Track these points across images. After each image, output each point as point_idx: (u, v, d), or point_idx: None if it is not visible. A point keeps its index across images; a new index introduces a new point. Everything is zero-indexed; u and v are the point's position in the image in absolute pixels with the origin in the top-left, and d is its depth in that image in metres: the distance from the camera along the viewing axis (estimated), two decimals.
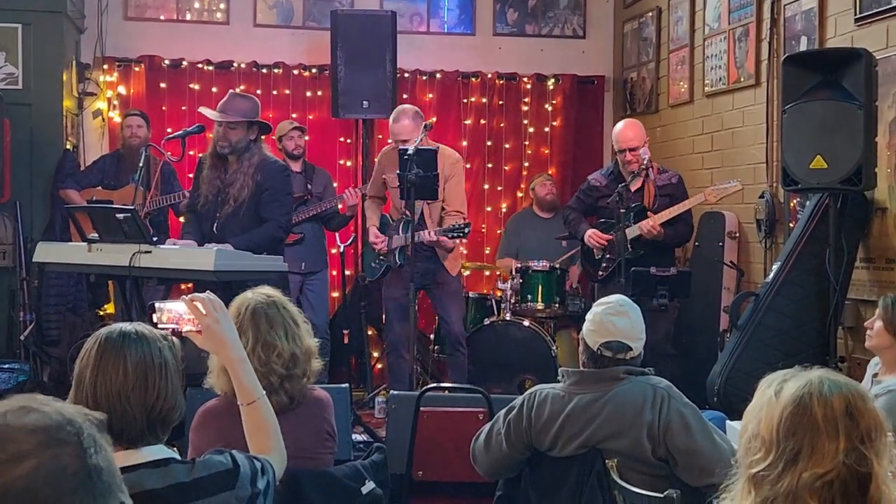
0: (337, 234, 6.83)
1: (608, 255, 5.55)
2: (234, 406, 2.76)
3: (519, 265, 6.42)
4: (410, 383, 5.44)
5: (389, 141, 6.33)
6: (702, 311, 6.04)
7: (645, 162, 5.49)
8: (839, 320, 4.83)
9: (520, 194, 7.80)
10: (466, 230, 5.54)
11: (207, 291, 2.49)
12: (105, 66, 7.27)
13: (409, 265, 5.27)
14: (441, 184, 5.60)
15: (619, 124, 5.80)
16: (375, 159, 6.21)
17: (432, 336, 6.49)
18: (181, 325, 2.45)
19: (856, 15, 4.93)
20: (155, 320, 2.46)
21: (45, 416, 1.14)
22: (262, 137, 5.23)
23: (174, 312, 2.46)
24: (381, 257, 5.87)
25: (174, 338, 2.24)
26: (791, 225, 5.42)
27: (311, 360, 2.93)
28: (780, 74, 5.04)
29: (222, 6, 7.52)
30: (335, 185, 6.86)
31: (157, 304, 2.51)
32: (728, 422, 3.56)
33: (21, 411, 1.14)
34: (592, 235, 5.67)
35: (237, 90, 7.12)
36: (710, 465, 2.80)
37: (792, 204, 5.54)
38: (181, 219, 6.72)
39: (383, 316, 6.25)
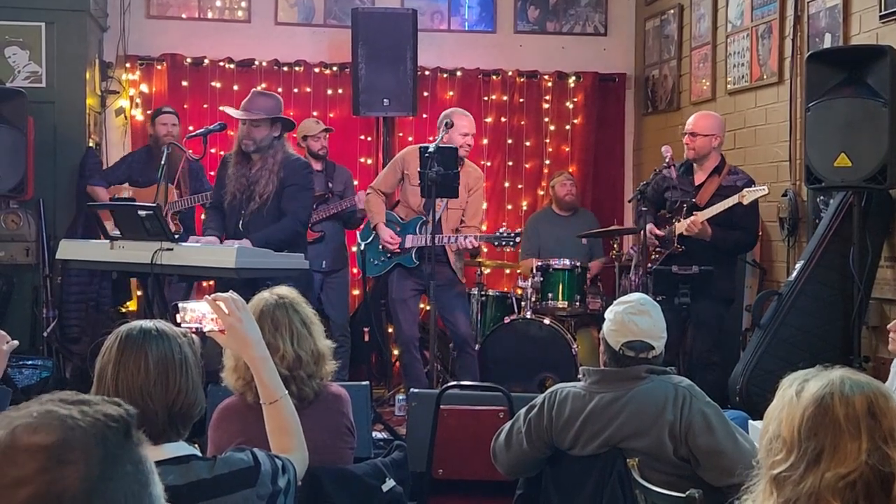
0: (357, 233, 6.84)
1: (658, 248, 5.43)
2: (250, 404, 2.78)
3: (540, 263, 6.40)
4: (430, 381, 5.44)
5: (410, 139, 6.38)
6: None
7: (668, 158, 5.39)
8: (863, 320, 4.80)
9: (540, 192, 7.77)
10: (518, 239, 5.61)
11: (230, 291, 2.50)
12: (127, 65, 7.31)
13: (429, 264, 5.26)
14: (464, 196, 5.64)
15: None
16: (399, 155, 6.13)
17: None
18: (204, 324, 2.46)
19: (881, 12, 4.88)
20: (178, 320, 2.47)
21: (54, 431, 1.08)
22: (286, 135, 5.26)
23: (197, 312, 2.47)
24: (389, 255, 5.87)
25: (193, 334, 2.25)
26: (816, 223, 5.37)
27: (322, 363, 2.94)
28: (804, 72, 5.01)
29: (244, 4, 7.54)
30: (356, 182, 6.87)
31: (179, 304, 2.53)
32: (751, 421, 3.53)
33: (30, 427, 1.08)
34: (649, 232, 5.48)
35: (259, 88, 7.17)
36: (733, 465, 2.78)
37: (815, 202, 5.49)
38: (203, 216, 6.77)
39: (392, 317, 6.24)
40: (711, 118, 5.54)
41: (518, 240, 5.68)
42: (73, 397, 1.15)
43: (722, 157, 5.52)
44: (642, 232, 5.46)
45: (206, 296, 2.50)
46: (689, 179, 5.47)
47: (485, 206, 6.16)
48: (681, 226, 5.27)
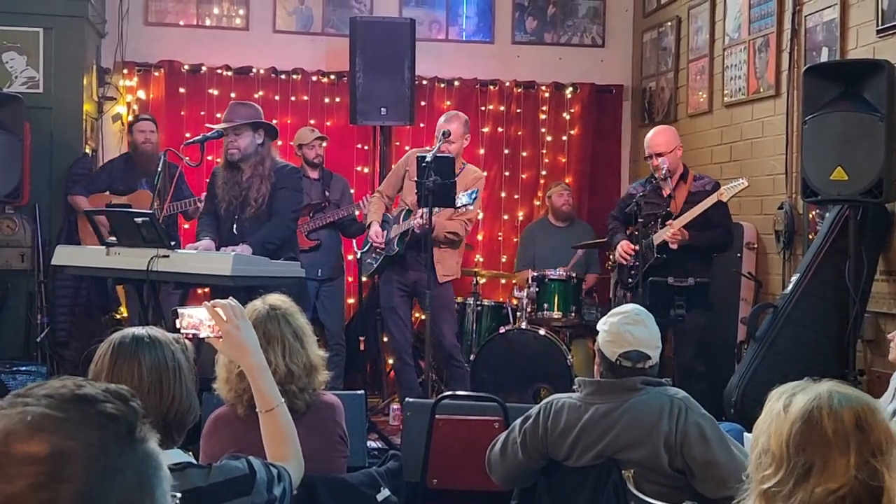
0: (354, 241, 6.83)
1: (636, 263, 5.47)
2: (241, 416, 2.77)
3: (535, 273, 6.40)
4: (425, 391, 5.43)
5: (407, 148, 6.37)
6: (719, 323, 6.00)
7: (664, 171, 5.40)
8: (858, 333, 4.80)
9: (536, 203, 7.78)
10: (474, 196, 5.45)
11: (230, 297, 2.50)
12: (125, 71, 7.30)
13: (422, 260, 5.25)
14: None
15: (653, 129, 5.75)
16: (405, 156, 6.13)
17: None
18: (201, 330, 2.46)
19: (878, 26, 4.90)
20: (177, 325, 2.48)
21: (51, 439, 1.01)
22: (271, 143, 5.24)
23: (195, 318, 2.48)
24: (379, 251, 5.86)
25: (186, 340, 2.24)
26: (810, 236, 5.38)
27: (314, 375, 2.91)
28: (801, 85, 5.02)
29: (242, 12, 7.55)
30: (352, 191, 6.87)
31: (179, 310, 2.53)
32: (746, 434, 3.53)
33: (24, 433, 1.01)
34: (620, 247, 5.56)
35: (256, 95, 7.18)
36: (728, 476, 2.78)
37: (811, 215, 5.50)
38: (186, 226, 6.77)
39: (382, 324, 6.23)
40: (667, 132, 5.59)
41: (475, 196, 5.55)
42: (72, 392, 1.07)
43: (684, 165, 5.58)
44: (616, 250, 5.59)
45: (205, 302, 2.49)
46: (657, 192, 5.49)
47: (481, 214, 6.10)
48: (659, 235, 5.30)
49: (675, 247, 5.23)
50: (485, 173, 5.97)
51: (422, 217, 5.36)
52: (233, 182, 5.12)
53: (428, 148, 5.81)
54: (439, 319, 5.75)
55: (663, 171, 5.39)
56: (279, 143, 5.72)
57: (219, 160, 7.15)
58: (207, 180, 5.50)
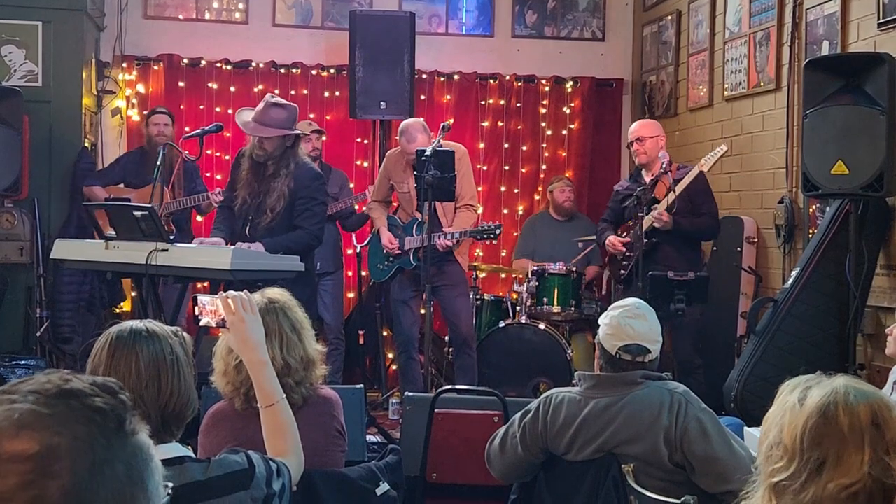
0: (353, 235, 6.82)
1: (628, 254, 5.51)
2: (238, 410, 2.77)
3: (535, 268, 6.40)
4: (425, 385, 5.43)
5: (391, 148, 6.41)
6: (719, 317, 6.00)
7: (664, 164, 5.43)
8: (858, 327, 4.80)
9: (536, 197, 7.77)
10: (497, 231, 5.54)
11: (245, 290, 2.52)
12: (124, 65, 7.29)
13: (424, 266, 5.25)
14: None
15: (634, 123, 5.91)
16: (383, 164, 6.17)
17: (447, 338, 6.47)
18: (203, 316, 2.50)
19: (879, 20, 4.88)
20: (196, 312, 2.56)
21: (38, 436, 1.01)
22: (300, 141, 5.17)
23: (209, 307, 2.54)
24: (392, 259, 5.85)
25: (184, 333, 2.25)
26: (811, 231, 5.38)
27: (311, 369, 2.90)
28: (802, 79, 5.01)
29: (241, 6, 7.53)
30: (351, 185, 6.86)
31: (198, 297, 2.58)
32: (746, 428, 3.53)
33: (11, 430, 1.01)
34: (610, 241, 5.66)
35: (256, 89, 7.17)
36: (728, 471, 2.77)
37: (812, 209, 5.49)
38: (199, 218, 6.74)
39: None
40: (651, 122, 5.83)
41: (499, 232, 5.62)
42: (59, 387, 1.07)
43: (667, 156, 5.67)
44: (605, 245, 5.77)
45: (221, 292, 2.52)
46: (640, 181, 5.63)
47: (481, 188, 6.11)
48: (647, 220, 5.39)
49: (658, 226, 5.36)
50: (466, 152, 5.95)
51: (444, 238, 5.50)
52: (253, 179, 5.01)
53: (396, 149, 5.90)
54: (459, 308, 5.77)
55: (664, 165, 5.43)
56: None
57: (218, 153, 7.20)
58: (231, 167, 5.34)
